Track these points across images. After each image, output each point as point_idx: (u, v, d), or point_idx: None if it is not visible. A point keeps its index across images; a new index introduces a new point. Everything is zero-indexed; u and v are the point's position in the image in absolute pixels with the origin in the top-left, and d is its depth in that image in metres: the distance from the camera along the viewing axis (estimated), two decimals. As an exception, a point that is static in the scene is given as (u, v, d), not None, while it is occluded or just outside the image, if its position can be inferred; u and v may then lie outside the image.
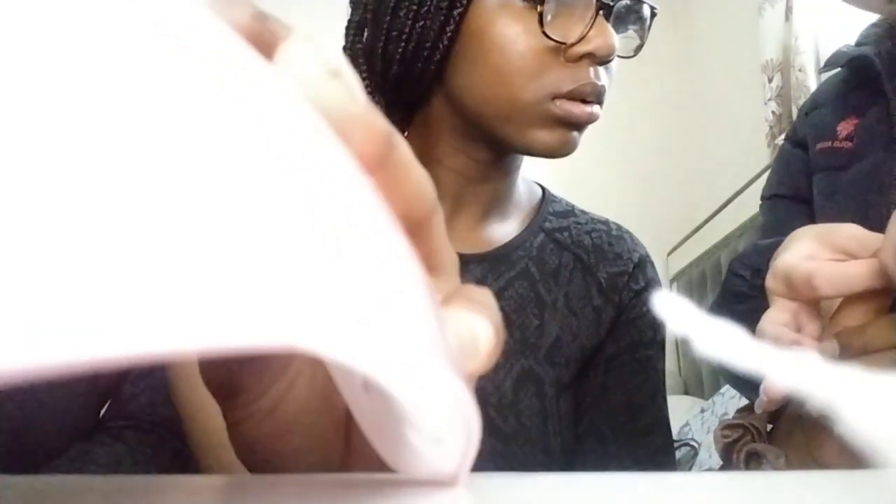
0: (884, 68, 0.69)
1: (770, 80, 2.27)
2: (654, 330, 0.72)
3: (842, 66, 0.75)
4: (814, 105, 0.79)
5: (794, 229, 0.47)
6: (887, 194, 0.64)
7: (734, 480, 0.21)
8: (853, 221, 0.65)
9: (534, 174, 0.78)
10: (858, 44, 0.76)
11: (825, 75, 0.82)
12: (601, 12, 0.59)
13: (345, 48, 0.68)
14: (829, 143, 0.72)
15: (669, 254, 3.08)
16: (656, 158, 3.13)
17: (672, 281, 3.03)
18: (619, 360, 0.71)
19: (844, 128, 0.71)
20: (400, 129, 0.70)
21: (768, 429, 0.47)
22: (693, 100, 3.09)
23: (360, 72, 0.66)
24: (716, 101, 2.91)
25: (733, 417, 0.48)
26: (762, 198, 0.83)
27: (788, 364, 0.20)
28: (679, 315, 0.20)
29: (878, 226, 0.63)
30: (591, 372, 0.70)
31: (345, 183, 0.15)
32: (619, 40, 0.61)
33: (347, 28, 0.67)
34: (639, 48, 0.65)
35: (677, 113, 3.15)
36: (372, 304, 0.14)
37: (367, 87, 0.66)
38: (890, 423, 0.17)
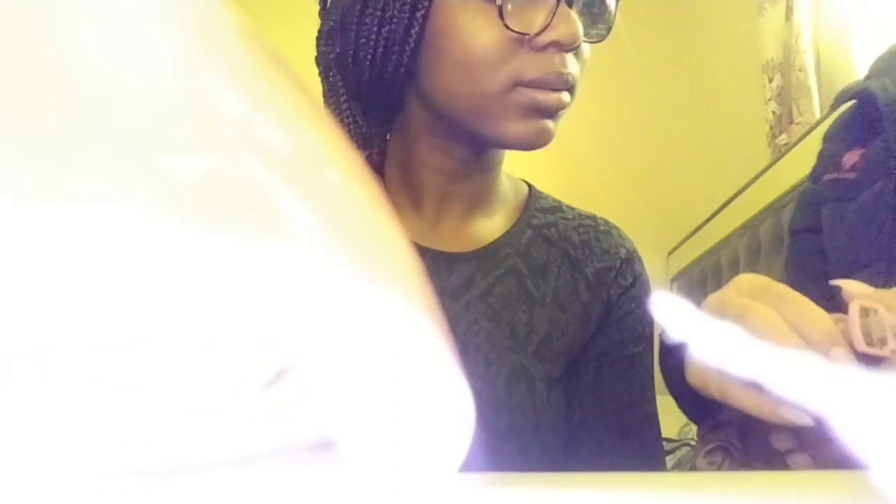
0: (883, 99, 0.70)
1: (770, 80, 2.27)
2: (643, 326, 0.73)
3: (849, 100, 0.77)
4: (824, 140, 0.81)
5: (813, 263, 0.48)
6: (888, 224, 0.66)
7: (733, 480, 0.21)
8: (858, 252, 0.66)
9: (534, 174, 0.78)
10: (867, 77, 0.78)
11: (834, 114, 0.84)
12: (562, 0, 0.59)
13: (317, 59, 0.69)
14: (835, 175, 0.74)
15: (669, 254, 3.08)
16: (656, 158, 3.13)
17: (672, 281, 3.03)
18: (609, 358, 0.71)
19: (850, 159, 0.73)
20: (381, 135, 0.71)
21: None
22: (693, 100, 3.09)
23: (334, 81, 0.67)
24: (716, 101, 2.91)
25: (706, 440, 0.48)
26: (787, 235, 0.85)
27: (787, 364, 0.20)
28: (677, 317, 0.20)
29: (880, 257, 0.64)
30: (582, 369, 0.71)
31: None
32: (586, 26, 0.61)
33: (318, 39, 0.69)
34: (607, 32, 0.65)
35: (677, 113, 3.15)
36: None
37: (342, 94, 0.67)
38: (884, 423, 0.17)
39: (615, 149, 2.92)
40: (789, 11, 2.19)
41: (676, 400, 0.65)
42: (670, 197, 3.07)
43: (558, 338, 0.69)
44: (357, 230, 0.15)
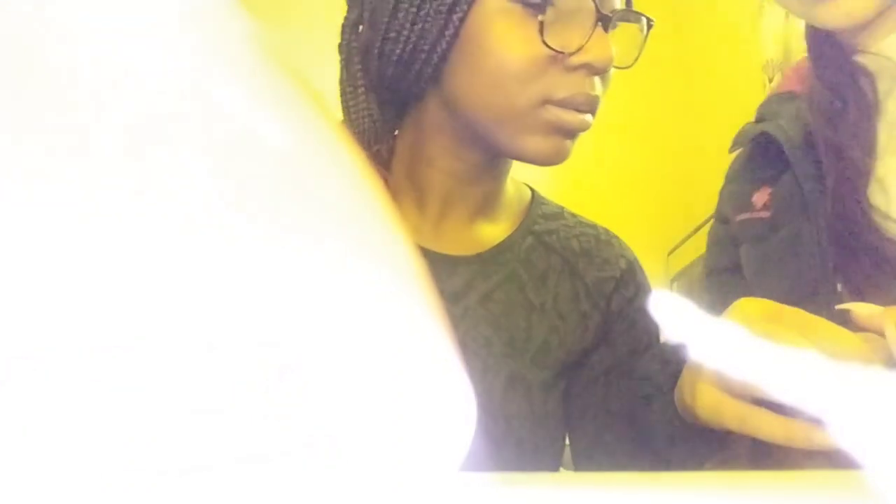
0: (785, 141, 0.73)
1: (770, 80, 2.28)
2: (649, 335, 0.73)
3: (748, 143, 0.80)
4: (726, 182, 0.83)
5: (734, 301, 0.50)
6: (816, 261, 0.68)
7: (734, 480, 0.21)
8: (791, 288, 0.67)
9: (534, 174, 0.78)
10: (758, 120, 0.81)
11: (733, 154, 0.86)
12: (599, 23, 0.59)
13: (340, 46, 0.68)
14: (748, 215, 0.76)
15: (669, 254, 3.08)
16: (656, 158, 3.14)
17: (672, 281, 3.03)
18: (618, 371, 0.72)
19: (759, 198, 0.76)
20: (391, 128, 0.71)
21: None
22: (693, 99, 3.09)
23: (354, 71, 0.67)
24: (716, 100, 2.91)
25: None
26: (705, 276, 0.87)
27: (787, 364, 0.20)
28: (677, 316, 0.20)
29: (812, 293, 0.66)
30: (592, 384, 0.71)
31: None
32: (616, 50, 0.62)
33: (344, 26, 0.68)
34: (634, 60, 0.66)
35: (677, 112, 3.15)
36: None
37: (361, 85, 0.67)
38: (883, 423, 0.17)
39: (615, 148, 2.92)
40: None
41: (663, 451, 0.64)
42: (670, 197, 3.07)
43: (556, 345, 0.69)
44: (360, 231, 0.15)
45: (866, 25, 0.66)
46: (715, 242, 0.84)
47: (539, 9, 0.58)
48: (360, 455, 0.24)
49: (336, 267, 0.14)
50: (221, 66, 0.14)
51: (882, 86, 0.69)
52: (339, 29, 0.69)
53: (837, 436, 0.18)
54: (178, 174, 0.13)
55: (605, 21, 0.60)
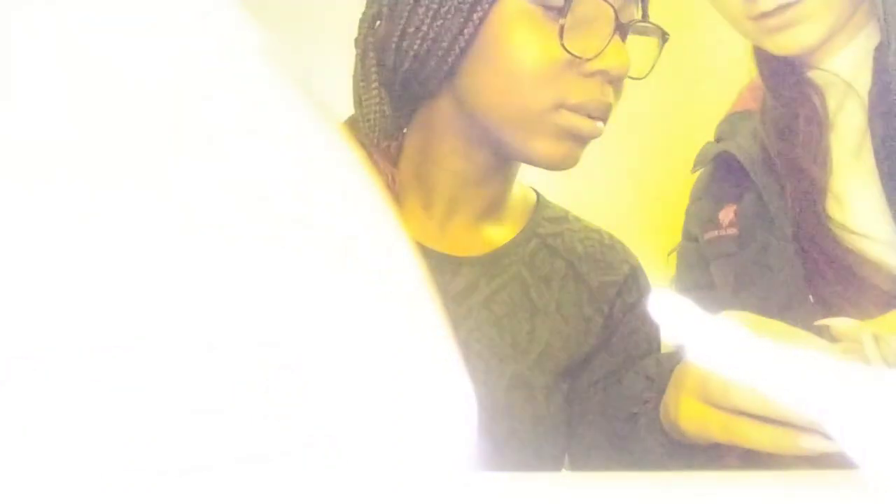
0: (745, 159, 0.74)
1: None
2: (649, 342, 0.73)
3: (709, 162, 0.81)
4: (692, 201, 0.84)
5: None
6: (786, 274, 0.69)
7: (733, 480, 0.21)
8: (761, 303, 0.68)
9: (535, 173, 0.78)
10: (717, 139, 0.83)
11: (696, 174, 0.88)
12: (617, 32, 0.60)
13: (357, 40, 0.68)
14: (716, 233, 0.78)
15: (669, 254, 3.09)
16: (656, 157, 3.14)
17: (672, 281, 3.03)
18: (616, 375, 0.72)
19: (725, 215, 0.78)
20: (401, 126, 0.71)
21: None
22: (694, 99, 3.09)
23: (369, 65, 0.67)
24: (717, 100, 2.91)
25: None
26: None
27: (786, 364, 0.20)
28: (676, 315, 0.20)
29: (785, 305, 0.66)
30: (591, 389, 0.71)
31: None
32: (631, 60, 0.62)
33: (362, 20, 0.68)
34: (648, 70, 0.67)
35: (678, 112, 3.15)
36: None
37: (374, 80, 0.66)
38: (881, 423, 0.17)
39: (615, 147, 2.92)
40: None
41: (653, 467, 0.64)
42: (670, 196, 3.08)
43: (559, 349, 0.69)
44: (361, 231, 0.15)
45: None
46: (684, 261, 0.85)
47: (560, 13, 0.58)
48: (360, 455, 0.24)
49: (336, 267, 0.14)
50: (224, 70, 0.14)
51: (832, 101, 0.71)
52: (340, 31, 0.69)
53: (834, 435, 0.18)
54: (179, 175, 0.13)
55: (622, 30, 0.60)
